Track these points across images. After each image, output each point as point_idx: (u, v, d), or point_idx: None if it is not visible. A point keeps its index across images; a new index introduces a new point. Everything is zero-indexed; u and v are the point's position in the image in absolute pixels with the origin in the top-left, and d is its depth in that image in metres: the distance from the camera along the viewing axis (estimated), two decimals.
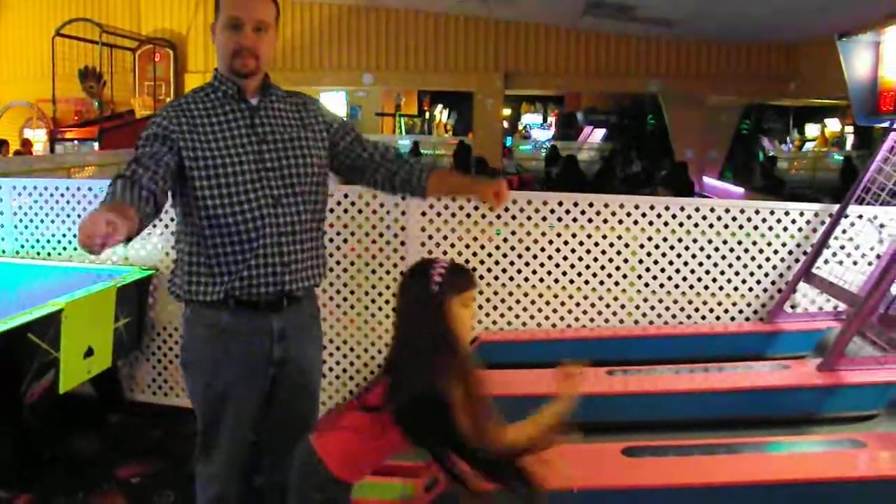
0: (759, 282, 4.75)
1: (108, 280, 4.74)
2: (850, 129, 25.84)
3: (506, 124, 22.58)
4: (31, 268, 5.19)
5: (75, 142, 13.98)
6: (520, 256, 4.76)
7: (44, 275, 5.06)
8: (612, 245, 4.72)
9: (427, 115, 27.30)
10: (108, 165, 9.48)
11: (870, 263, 4.66)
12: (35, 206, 5.34)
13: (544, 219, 4.72)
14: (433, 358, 2.32)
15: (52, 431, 4.83)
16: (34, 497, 4.12)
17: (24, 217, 5.37)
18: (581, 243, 4.73)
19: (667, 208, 4.70)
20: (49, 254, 5.35)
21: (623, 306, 4.78)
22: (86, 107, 15.48)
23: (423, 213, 4.76)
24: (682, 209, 4.70)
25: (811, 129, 27.13)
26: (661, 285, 4.75)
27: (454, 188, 3.19)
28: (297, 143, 2.91)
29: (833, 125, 26.50)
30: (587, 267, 4.75)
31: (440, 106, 27.30)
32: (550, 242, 4.74)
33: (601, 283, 4.76)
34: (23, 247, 5.39)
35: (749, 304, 4.78)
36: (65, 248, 5.32)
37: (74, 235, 5.26)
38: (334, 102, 20.73)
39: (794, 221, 4.72)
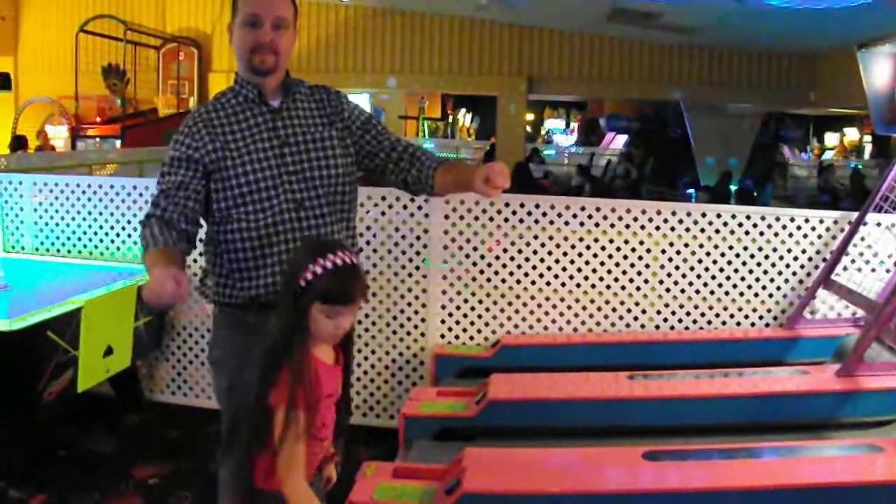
0: (779, 288, 4.75)
1: (129, 279, 4.74)
2: (868, 138, 25.71)
3: (529, 129, 22.56)
4: (52, 265, 5.21)
5: (97, 139, 14.03)
6: (542, 260, 4.77)
7: (64, 272, 5.07)
8: (633, 250, 4.72)
9: (450, 118, 27.32)
10: (130, 163, 9.53)
11: (888, 270, 4.66)
12: (56, 203, 5.36)
13: (567, 223, 4.72)
14: (273, 351, 2.22)
15: (70, 431, 4.84)
16: (50, 497, 4.11)
17: (45, 214, 5.40)
18: (603, 248, 4.73)
19: (688, 214, 4.70)
20: (69, 251, 5.38)
21: (644, 311, 4.78)
22: (108, 104, 15.52)
23: (447, 216, 4.77)
24: (704, 215, 4.70)
25: (830, 139, 27.02)
26: (682, 291, 4.75)
27: (455, 186, 3.06)
28: (320, 143, 2.87)
29: (852, 134, 26.39)
30: (609, 272, 4.75)
31: (463, 110, 27.31)
32: (573, 247, 4.74)
33: (622, 287, 4.76)
34: (42, 244, 5.42)
35: (769, 310, 4.77)
36: (85, 246, 5.34)
37: (95, 233, 5.30)
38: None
39: (813, 228, 4.71)
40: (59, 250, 5.40)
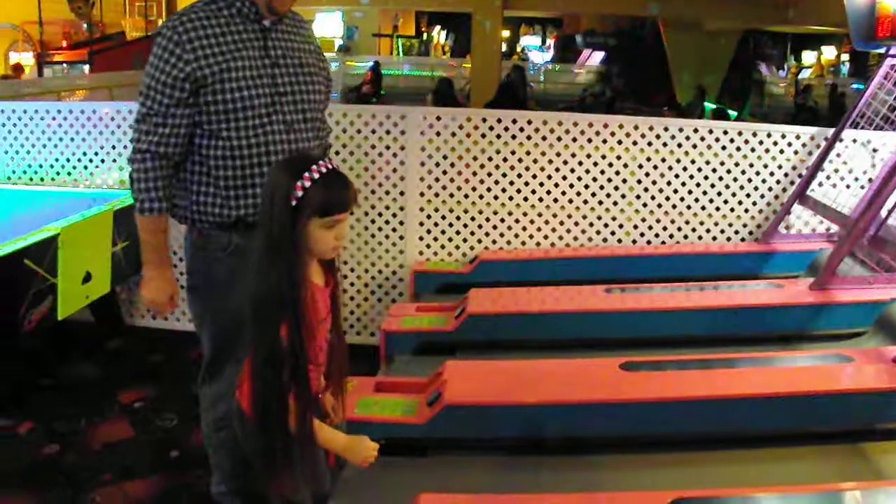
0: (755, 203, 4.78)
1: (105, 204, 4.70)
2: (845, 56, 25.68)
3: (504, 47, 22.37)
4: (24, 193, 5.12)
5: (64, 65, 13.75)
6: (519, 176, 4.77)
7: (37, 200, 4.99)
8: (611, 165, 4.73)
9: (425, 36, 27.06)
10: (99, 88, 9.35)
11: (862, 187, 4.70)
12: (26, 131, 5.27)
13: (544, 138, 4.71)
14: (270, 272, 2.12)
15: (52, 358, 4.84)
16: (36, 424, 4.13)
17: (15, 142, 5.30)
18: (580, 163, 4.74)
19: (666, 129, 4.70)
20: (42, 179, 5.31)
21: (621, 226, 4.81)
22: (74, 29, 15.19)
23: (422, 133, 4.75)
24: (681, 130, 4.70)
25: (808, 57, 26.98)
26: (659, 205, 4.78)
27: None
28: (306, 68, 2.88)
29: (829, 53, 26.34)
30: (586, 186, 4.77)
31: (438, 27, 27.05)
32: (550, 162, 4.74)
33: (600, 202, 4.78)
34: (14, 172, 5.34)
35: (745, 225, 4.81)
36: (58, 173, 5.27)
37: (68, 160, 5.24)
38: (331, 23, 20.41)
39: (790, 144, 4.73)
40: (31, 179, 5.32)
